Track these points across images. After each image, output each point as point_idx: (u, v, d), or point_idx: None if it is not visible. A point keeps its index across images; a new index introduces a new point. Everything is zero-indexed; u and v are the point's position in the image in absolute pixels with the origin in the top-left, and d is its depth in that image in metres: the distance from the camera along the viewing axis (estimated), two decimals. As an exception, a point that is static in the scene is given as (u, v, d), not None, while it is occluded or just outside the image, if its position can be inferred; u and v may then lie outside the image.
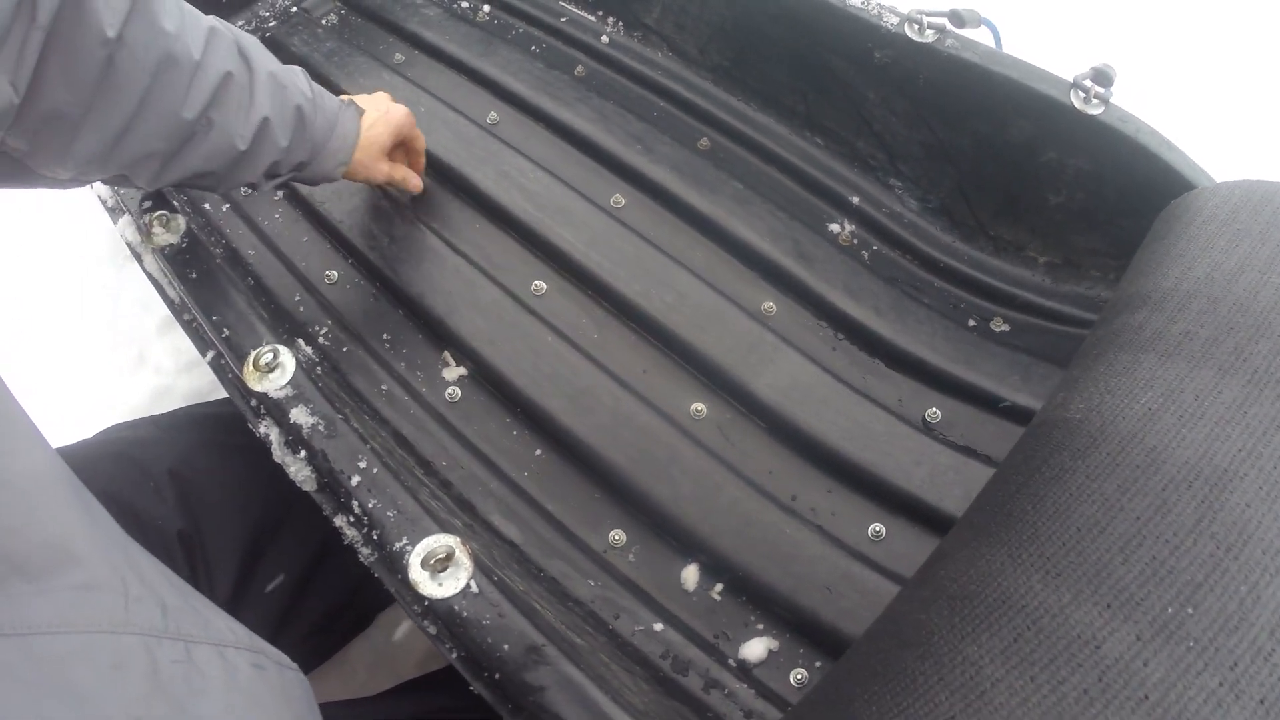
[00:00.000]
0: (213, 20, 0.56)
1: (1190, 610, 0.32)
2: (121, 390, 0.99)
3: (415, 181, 0.79)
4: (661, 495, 0.65)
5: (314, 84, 0.65)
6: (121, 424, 0.70)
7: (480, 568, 0.45)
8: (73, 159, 0.50)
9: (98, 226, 1.13)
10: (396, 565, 0.46)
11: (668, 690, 0.58)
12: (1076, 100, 0.67)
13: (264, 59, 0.60)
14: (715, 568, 0.64)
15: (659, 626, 0.61)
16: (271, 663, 0.43)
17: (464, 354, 0.73)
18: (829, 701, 0.37)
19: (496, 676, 0.42)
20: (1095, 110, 0.67)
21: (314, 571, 0.69)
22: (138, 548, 0.42)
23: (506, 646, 0.42)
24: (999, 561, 0.37)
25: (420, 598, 0.45)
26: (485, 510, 0.65)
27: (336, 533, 0.54)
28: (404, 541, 0.47)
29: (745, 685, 0.60)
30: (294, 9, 1.02)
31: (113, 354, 1.02)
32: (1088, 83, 0.67)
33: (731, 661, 0.61)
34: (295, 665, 0.46)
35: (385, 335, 0.75)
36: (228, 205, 0.85)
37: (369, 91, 0.76)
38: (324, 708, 0.60)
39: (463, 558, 0.45)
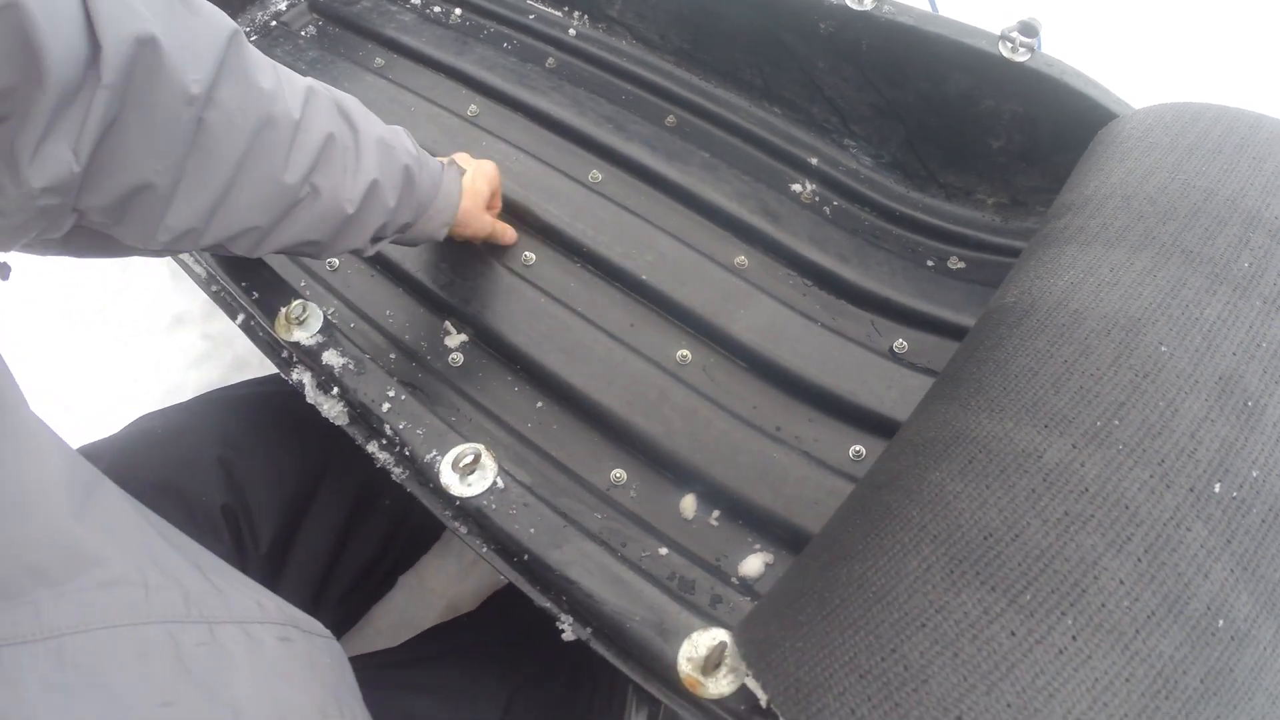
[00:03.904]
0: (309, 80, 0.54)
1: (1117, 422, 0.38)
2: (135, 389, 1.03)
3: (511, 234, 0.82)
4: (656, 433, 0.71)
5: (417, 144, 0.64)
6: (153, 414, 0.71)
7: (503, 468, 0.51)
8: (165, 232, 0.46)
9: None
10: (428, 475, 0.51)
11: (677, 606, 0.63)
12: (1005, 50, 0.74)
13: (369, 120, 0.57)
14: (711, 496, 0.69)
15: (664, 551, 0.66)
16: (300, 633, 0.45)
17: (464, 322, 0.78)
18: (823, 542, 0.42)
19: (525, 559, 0.47)
20: (1022, 58, 0.74)
21: (345, 537, 0.72)
22: (157, 537, 0.43)
23: (533, 530, 0.47)
24: (951, 411, 0.43)
25: (452, 499, 0.50)
26: (495, 458, 0.70)
27: (361, 499, 0.58)
28: (434, 453, 0.52)
29: (748, 599, 0.65)
30: (273, 23, 1.07)
31: (124, 354, 1.07)
32: (1014, 34, 0.74)
33: (734, 579, 0.66)
34: (328, 632, 0.48)
35: (388, 311, 0.80)
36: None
37: (362, 100, 0.80)
38: (351, 662, 0.63)
39: (488, 460, 0.50)
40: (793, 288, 0.80)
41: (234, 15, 1.08)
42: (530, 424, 0.73)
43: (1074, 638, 0.30)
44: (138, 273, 1.14)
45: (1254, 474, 0.37)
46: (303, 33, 1.07)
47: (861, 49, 0.82)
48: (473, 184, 0.73)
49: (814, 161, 0.87)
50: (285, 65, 0.97)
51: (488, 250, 0.83)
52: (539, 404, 0.74)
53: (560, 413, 0.74)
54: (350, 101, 0.57)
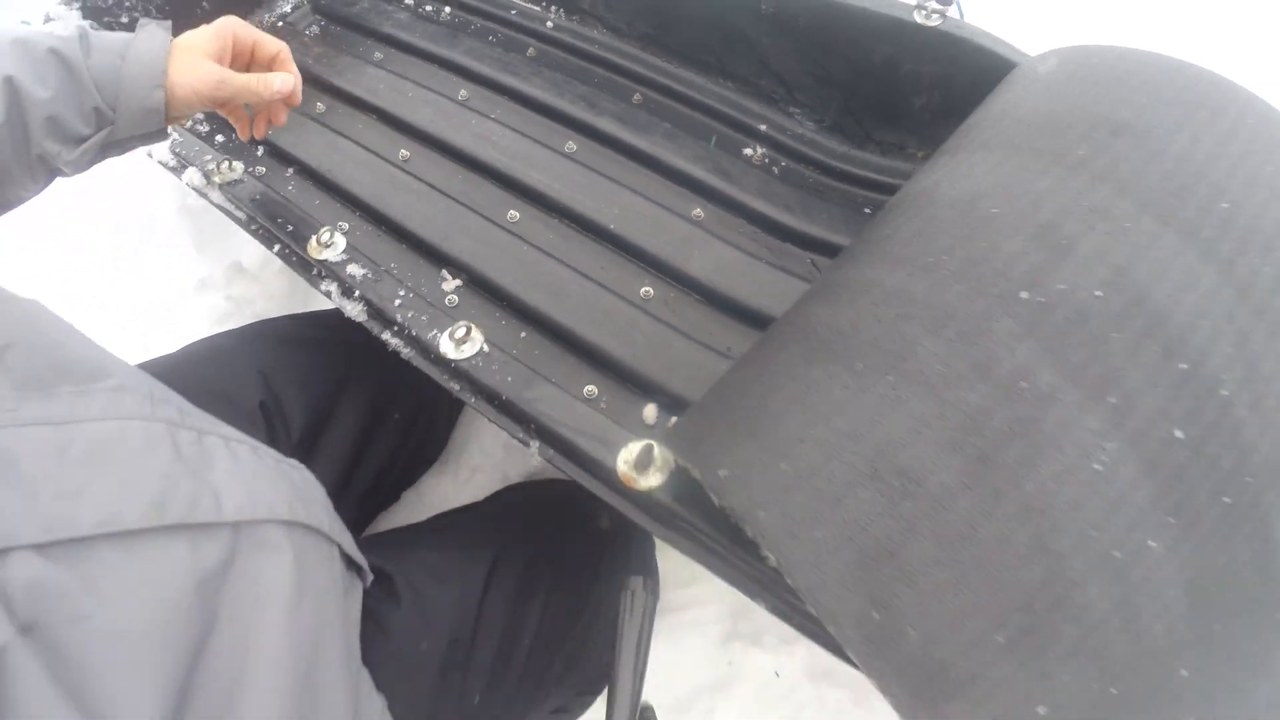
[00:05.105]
0: None
1: (946, 258, 0.48)
2: (157, 349, 1.15)
3: (274, 82, 0.69)
4: (622, 354, 0.81)
5: (90, 30, 0.60)
6: (204, 339, 0.83)
7: (489, 340, 0.63)
8: None
9: (130, 199, 1.28)
10: (430, 349, 0.64)
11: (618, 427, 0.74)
12: (919, 17, 0.86)
13: (4, 30, 0.57)
14: (670, 405, 0.80)
15: (629, 447, 0.77)
16: (269, 454, 0.52)
17: (458, 269, 0.90)
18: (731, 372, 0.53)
19: (504, 399, 0.59)
20: (935, 23, 0.85)
21: (363, 442, 0.84)
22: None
23: (509, 379, 0.59)
24: (826, 273, 0.54)
25: (449, 363, 0.62)
26: (483, 331, 0.81)
27: (374, 412, 0.70)
28: (434, 332, 0.65)
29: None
30: (280, 24, 1.21)
31: (145, 315, 1.18)
32: (928, 2, 0.86)
33: (690, 472, 0.76)
34: (300, 464, 0.55)
35: (392, 264, 0.91)
36: (251, 183, 1.03)
37: (366, 89, 0.91)
38: (376, 537, 0.74)
39: (477, 334, 0.64)
40: (743, 234, 0.91)
41: (243, 17, 1.21)
42: (516, 350, 0.84)
43: (893, 388, 0.41)
44: (161, 242, 1.26)
45: (1060, 287, 0.46)
46: (307, 32, 1.21)
47: (799, 25, 0.94)
48: (185, 39, 0.65)
49: (763, 128, 0.99)
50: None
51: (479, 208, 0.94)
52: (523, 334, 0.85)
53: (542, 340, 0.85)
54: None
